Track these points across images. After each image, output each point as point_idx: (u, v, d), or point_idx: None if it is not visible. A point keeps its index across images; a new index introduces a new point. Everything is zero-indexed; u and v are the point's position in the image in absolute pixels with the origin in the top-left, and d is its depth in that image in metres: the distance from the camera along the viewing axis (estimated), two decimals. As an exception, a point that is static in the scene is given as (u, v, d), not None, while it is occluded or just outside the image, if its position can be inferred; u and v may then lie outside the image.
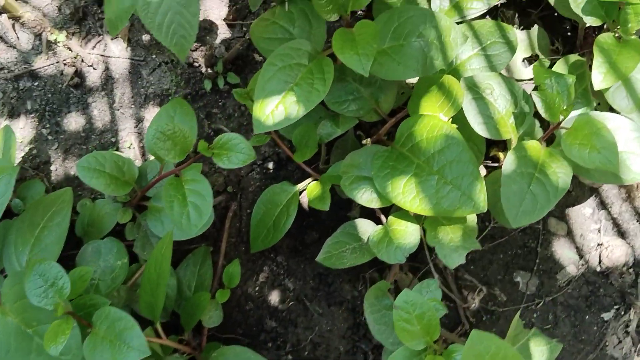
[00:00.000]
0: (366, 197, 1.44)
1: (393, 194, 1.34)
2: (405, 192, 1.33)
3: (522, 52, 1.81)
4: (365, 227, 1.56)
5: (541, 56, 1.81)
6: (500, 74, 1.51)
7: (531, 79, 1.84)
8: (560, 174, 1.35)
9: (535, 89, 1.47)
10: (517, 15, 1.91)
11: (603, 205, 1.78)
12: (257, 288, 1.72)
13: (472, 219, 1.41)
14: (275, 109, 1.27)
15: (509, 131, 1.48)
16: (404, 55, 1.35)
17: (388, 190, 1.35)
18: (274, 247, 1.71)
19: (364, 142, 1.42)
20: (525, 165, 1.35)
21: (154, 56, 1.80)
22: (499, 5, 1.89)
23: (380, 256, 1.45)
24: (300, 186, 1.66)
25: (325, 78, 1.27)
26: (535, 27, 1.83)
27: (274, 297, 1.71)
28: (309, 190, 1.60)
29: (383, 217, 1.54)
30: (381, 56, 1.37)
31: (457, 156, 1.30)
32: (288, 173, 1.80)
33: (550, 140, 1.51)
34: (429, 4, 1.68)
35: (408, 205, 1.33)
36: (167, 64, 1.80)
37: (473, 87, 1.49)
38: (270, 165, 1.81)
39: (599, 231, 1.76)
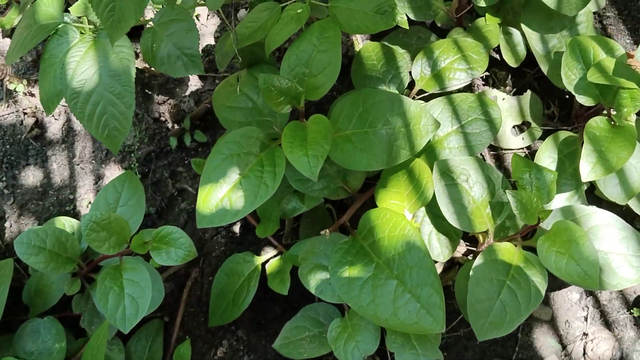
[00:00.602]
0: (324, 291, 1.33)
1: (349, 295, 1.23)
2: (362, 295, 1.21)
3: (512, 119, 1.68)
4: (328, 313, 1.45)
5: (533, 124, 1.68)
6: (477, 158, 1.38)
7: (520, 149, 1.71)
8: (535, 282, 1.22)
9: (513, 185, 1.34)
10: (510, 77, 1.78)
11: (591, 291, 1.64)
12: (214, 363, 1.61)
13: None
14: (219, 202, 1.16)
15: (484, 222, 1.36)
16: (367, 144, 1.23)
17: (344, 290, 1.23)
18: (235, 320, 1.61)
19: (322, 232, 1.30)
20: (495, 271, 1.23)
21: (118, 109, 1.70)
22: (483, 77, 1.76)
23: (337, 354, 1.34)
24: (263, 258, 1.55)
25: (276, 172, 1.15)
26: (528, 92, 1.69)
27: (232, 375, 1.60)
28: (269, 268, 1.49)
29: (347, 306, 1.43)
30: (344, 142, 1.25)
31: (418, 262, 1.18)
32: (255, 239, 1.69)
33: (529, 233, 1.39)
34: (411, 64, 1.57)
35: (363, 310, 1.21)
36: (133, 117, 1.69)
37: (447, 173, 1.36)
38: (237, 229, 1.70)
39: (586, 319, 1.62)
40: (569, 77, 1.45)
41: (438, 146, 1.45)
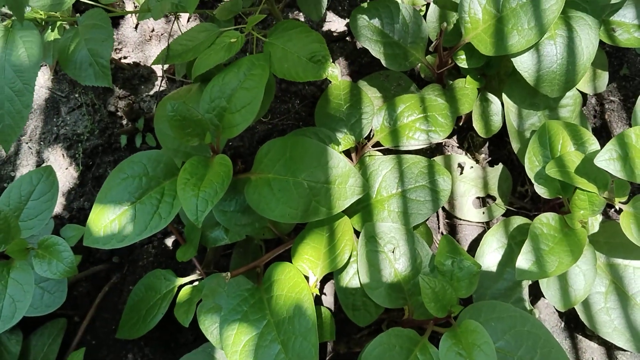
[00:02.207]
0: (216, 335, 1.25)
1: (231, 349, 1.14)
2: (243, 352, 1.13)
3: (477, 190, 1.57)
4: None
5: (498, 199, 1.57)
6: (409, 229, 1.28)
7: (478, 223, 1.60)
8: (428, 381, 1.12)
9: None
10: (488, 144, 1.66)
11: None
12: (113, 375, 1.55)
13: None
14: (109, 224, 1.09)
15: (404, 298, 1.26)
16: (286, 193, 1.15)
17: (228, 342, 1.15)
18: (144, 336, 1.54)
19: (223, 275, 1.22)
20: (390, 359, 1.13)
21: (77, 95, 1.65)
22: (457, 139, 1.66)
23: (217, 401, 1.26)
24: (183, 280, 1.48)
25: (174, 204, 1.08)
26: (500, 166, 1.58)
27: (128, 392, 1.54)
28: (179, 296, 1.41)
29: (245, 351, 1.35)
30: (262, 186, 1.17)
31: (304, 333, 1.09)
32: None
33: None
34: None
35: (240, 368, 1.13)
36: (89, 107, 1.64)
37: (374, 238, 1.27)
38: (170, 242, 1.63)
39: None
40: (532, 163, 1.34)
41: (378, 206, 1.35)
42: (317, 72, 1.05)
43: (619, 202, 1.30)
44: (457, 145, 1.66)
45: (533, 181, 1.33)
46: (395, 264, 1.26)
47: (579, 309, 1.41)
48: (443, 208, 1.59)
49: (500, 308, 1.23)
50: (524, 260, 1.25)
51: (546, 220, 1.28)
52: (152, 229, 1.08)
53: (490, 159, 1.65)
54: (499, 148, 1.68)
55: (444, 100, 1.45)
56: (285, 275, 1.17)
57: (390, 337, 1.15)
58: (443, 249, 1.19)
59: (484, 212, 1.57)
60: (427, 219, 1.52)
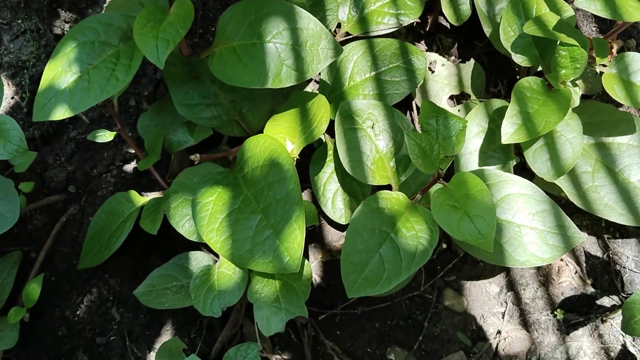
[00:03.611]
0: (188, 227, 1.15)
1: (207, 228, 1.05)
2: (220, 229, 1.03)
3: (450, 88, 1.51)
4: (202, 262, 1.27)
5: (473, 96, 1.51)
6: (388, 105, 1.21)
7: (456, 122, 1.54)
8: (422, 239, 1.04)
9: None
10: (457, 45, 1.61)
11: (513, 285, 1.46)
12: (78, 312, 1.42)
13: (307, 272, 1.10)
14: (61, 93, 0.99)
15: (387, 176, 1.18)
16: (253, 58, 1.06)
17: (203, 223, 1.05)
18: (109, 267, 1.43)
19: (192, 157, 1.13)
20: (379, 221, 1.05)
21: (19, 21, 1.54)
22: (427, 42, 1.60)
23: (196, 304, 1.15)
24: (147, 198, 1.37)
25: (132, 65, 0.99)
26: (472, 61, 1.53)
27: (95, 327, 1.41)
28: (146, 206, 1.31)
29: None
30: (229, 54, 1.08)
31: (285, 195, 1.00)
32: (149, 182, 1.51)
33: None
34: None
35: (218, 247, 1.03)
36: (33, 32, 1.53)
37: (351, 116, 1.20)
38: (130, 169, 1.52)
39: (503, 316, 1.44)
40: (507, 34, 1.29)
41: (352, 92, 1.28)
42: None
43: (600, 64, 1.26)
44: (426, 49, 1.61)
45: (510, 51, 1.28)
46: (376, 140, 1.19)
47: (568, 191, 1.35)
48: (417, 109, 1.53)
49: (488, 174, 1.17)
50: (508, 124, 1.19)
51: (528, 84, 1.23)
52: (109, 91, 0.98)
53: (460, 60, 1.60)
54: (467, 51, 1.63)
55: (412, -15, 1.39)
56: (260, 147, 1.08)
57: (378, 200, 1.07)
58: (425, 110, 1.12)
59: (459, 110, 1.51)
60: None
